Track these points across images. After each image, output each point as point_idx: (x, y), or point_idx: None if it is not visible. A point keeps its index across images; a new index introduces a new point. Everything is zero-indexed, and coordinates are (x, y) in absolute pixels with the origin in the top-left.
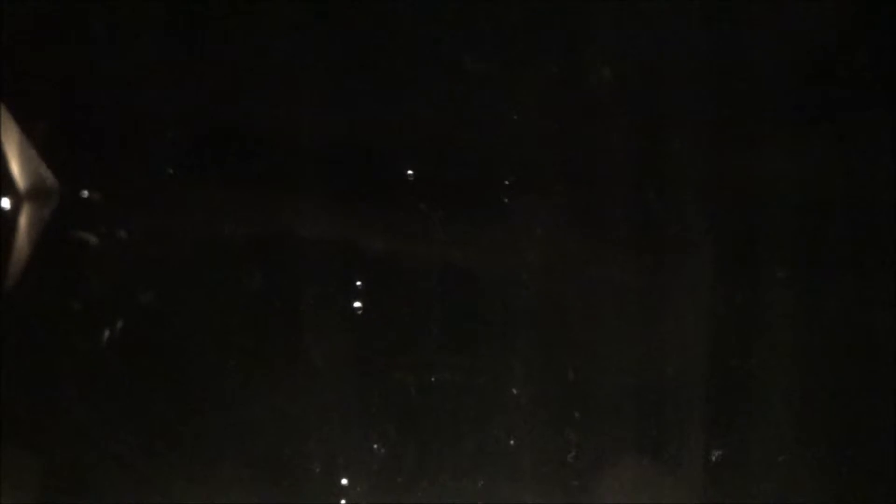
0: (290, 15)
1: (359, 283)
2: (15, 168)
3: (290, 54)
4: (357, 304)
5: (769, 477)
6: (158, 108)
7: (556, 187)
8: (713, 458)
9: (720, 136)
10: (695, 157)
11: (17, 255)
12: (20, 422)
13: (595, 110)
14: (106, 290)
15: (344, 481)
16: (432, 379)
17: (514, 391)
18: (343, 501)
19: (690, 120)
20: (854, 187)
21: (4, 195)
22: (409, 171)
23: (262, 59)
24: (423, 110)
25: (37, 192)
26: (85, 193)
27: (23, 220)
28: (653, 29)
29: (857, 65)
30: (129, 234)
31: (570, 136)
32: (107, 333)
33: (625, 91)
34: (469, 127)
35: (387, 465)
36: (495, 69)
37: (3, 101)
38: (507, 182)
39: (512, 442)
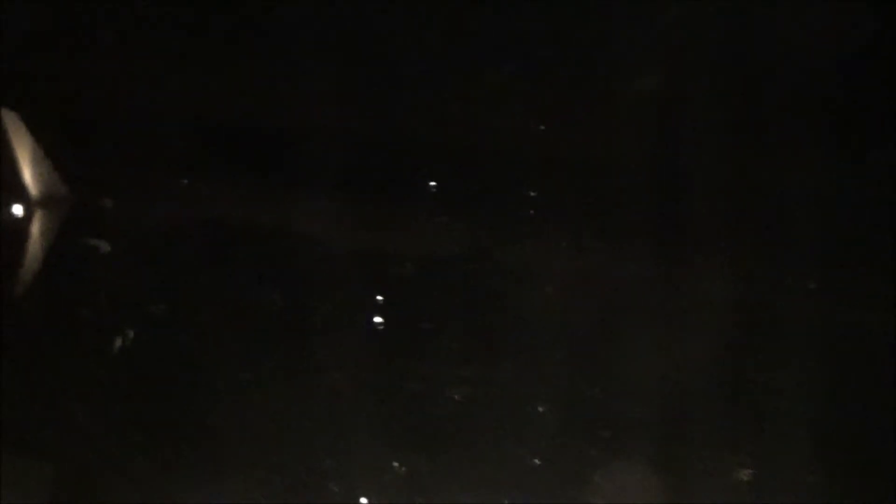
0: (311, 17)
1: (379, 297)
2: (27, 176)
3: (310, 61)
4: (378, 319)
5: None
6: (172, 114)
7: (579, 199)
8: (738, 475)
9: (737, 143)
10: (713, 163)
11: (28, 261)
12: (27, 424)
13: (617, 120)
14: (115, 296)
15: (363, 501)
16: (455, 397)
17: (538, 407)
18: None
19: (709, 126)
20: (863, 191)
21: (17, 202)
22: (432, 183)
23: (281, 65)
24: (446, 121)
25: (48, 200)
26: (95, 199)
27: (35, 227)
28: (672, 36)
29: (871, 73)
30: (139, 240)
31: (593, 144)
32: (118, 340)
33: (646, 98)
34: (491, 136)
35: (406, 482)
36: (517, 78)
37: (13, 110)
38: (532, 194)
39: (536, 460)
